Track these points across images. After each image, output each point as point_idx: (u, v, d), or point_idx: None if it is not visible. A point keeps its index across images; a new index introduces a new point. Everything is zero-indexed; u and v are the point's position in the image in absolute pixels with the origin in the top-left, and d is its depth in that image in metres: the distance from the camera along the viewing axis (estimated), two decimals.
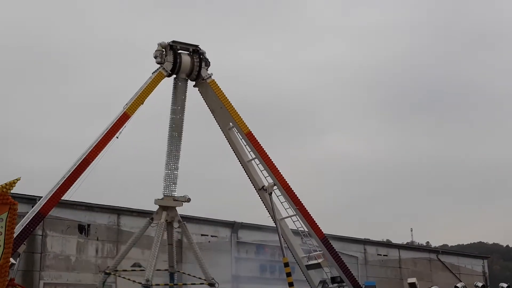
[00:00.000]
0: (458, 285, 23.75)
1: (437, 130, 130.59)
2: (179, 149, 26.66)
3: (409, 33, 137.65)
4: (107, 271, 26.40)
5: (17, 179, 14.20)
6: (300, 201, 27.52)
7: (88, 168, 24.84)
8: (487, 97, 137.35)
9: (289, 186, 27.55)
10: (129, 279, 26.50)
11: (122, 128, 25.33)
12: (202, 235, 42.14)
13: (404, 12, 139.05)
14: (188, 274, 27.51)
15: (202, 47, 27.35)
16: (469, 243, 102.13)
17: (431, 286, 24.50)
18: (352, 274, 28.05)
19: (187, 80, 27.11)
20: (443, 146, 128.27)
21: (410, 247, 62.42)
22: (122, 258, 27.03)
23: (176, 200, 26.53)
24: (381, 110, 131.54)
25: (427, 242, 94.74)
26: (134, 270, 27.17)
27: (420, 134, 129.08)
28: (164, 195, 26.63)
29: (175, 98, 26.84)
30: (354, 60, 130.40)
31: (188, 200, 26.59)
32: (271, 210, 27.82)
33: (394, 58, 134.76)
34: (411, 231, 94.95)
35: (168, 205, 26.46)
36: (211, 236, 42.44)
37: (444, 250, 64.44)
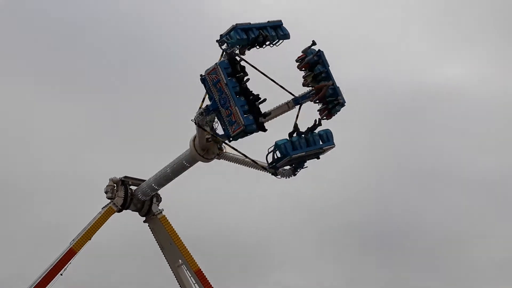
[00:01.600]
0: None
1: (383, 269, 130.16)
2: None
3: (356, 169, 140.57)
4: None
5: None
6: None
7: None
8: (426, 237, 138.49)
9: None
10: None
11: (67, 265, 24.67)
12: None
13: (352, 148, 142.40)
14: None
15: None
16: None
17: None
18: None
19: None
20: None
21: None
22: None
23: None
24: (329, 247, 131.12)
25: None
26: None
27: (370, 274, 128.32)
28: None
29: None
30: (304, 197, 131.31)
31: None
32: None
33: (340, 194, 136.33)
34: None
35: None
36: None
37: None
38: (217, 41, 22.13)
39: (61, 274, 24.60)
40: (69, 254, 24.74)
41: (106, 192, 26.34)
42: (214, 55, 22.11)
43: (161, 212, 26.90)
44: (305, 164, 23.27)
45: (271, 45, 23.19)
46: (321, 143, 22.95)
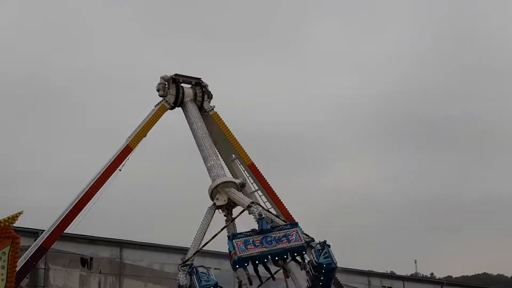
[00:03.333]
0: None
1: (441, 160, 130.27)
2: (212, 145, 25.23)
3: (412, 63, 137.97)
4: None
5: (19, 213, 14.23)
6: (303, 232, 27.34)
7: (90, 201, 24.90)
8: (484, 130, 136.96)
9: (293, 218, 27.43)
10: None
11: (124, 161, 25.41)
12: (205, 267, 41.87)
13: (408, 42, 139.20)
14: None
15: (206, 78, 27.54)
16: (473, 274, 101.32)
17: None
18: None
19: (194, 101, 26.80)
20: (445, 177, 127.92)
21: (415, 278, 61.99)
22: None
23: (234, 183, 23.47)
24: (384, 141, 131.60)
25: (432, 274, 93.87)
26: None
27: (423, 165, 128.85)
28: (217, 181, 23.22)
29: (188, 115, 26.43)
30: (359, 91, 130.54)
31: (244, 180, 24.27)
32: None
33: (398, 88, 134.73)
34: (415, 262, 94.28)
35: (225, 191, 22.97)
36: (215, 268, 42.08)
37: (449, 281, 63.97)
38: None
39: (120, 170, 25.42)
40: (126, 151, 25.46)
41: (158, 90, 26.68)
42: None
43: (213, 109, 27.18)
44: None
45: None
46: None
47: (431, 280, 65.51)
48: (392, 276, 57.33)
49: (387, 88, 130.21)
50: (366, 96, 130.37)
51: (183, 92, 26.72)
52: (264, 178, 27.29)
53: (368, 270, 52.86)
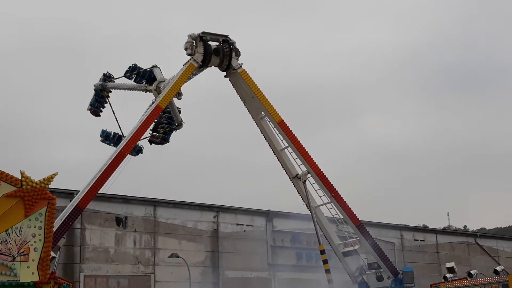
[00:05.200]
0: (498, 268, 23.38)
1: (473, 111, 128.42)
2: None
3: (445, 11, 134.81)
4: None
5: (55, 174, 14.45)
6: (335, 188, 27.40)
7: (123, 161, 25.19)
8: None
9: (323, 173, 27.46)
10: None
11: (155, 120, 25.53)
12: (237, 224, 42.39)
13: None
14: None
15: (232, 35, 27.26)
16: (507, 225, 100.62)
17: (470, 270, 24.17)
18: (389, 260, 27.92)
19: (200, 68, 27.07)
20: (478, 128, 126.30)
21: (447, 231, 61.85)
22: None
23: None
24: (415, 92, 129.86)
25: (465, 226, 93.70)
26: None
27: (455, 116, 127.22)
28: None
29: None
30: (389, 41, 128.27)
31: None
32: (306, 198, 27.81)
33: (430, 37, 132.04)
34: (448, 215, 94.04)
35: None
36: (247, 225, 42.65)
37: (482, 233, 63.64)
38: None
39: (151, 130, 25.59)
40: (156, 111, 25.57)
41: (185, 49, 26.58)
42: None
43: (241, 66, 27.01)
44: None
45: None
46: None
47: (464, 232, 65.31)
48: (424, 229, 57.25)
49: (420, 39, 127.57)
50: (398, 47, 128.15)
51: (210, 50, 26.56)
52: (294, 135, 27.21)
53: (401, 224, 52.88)
